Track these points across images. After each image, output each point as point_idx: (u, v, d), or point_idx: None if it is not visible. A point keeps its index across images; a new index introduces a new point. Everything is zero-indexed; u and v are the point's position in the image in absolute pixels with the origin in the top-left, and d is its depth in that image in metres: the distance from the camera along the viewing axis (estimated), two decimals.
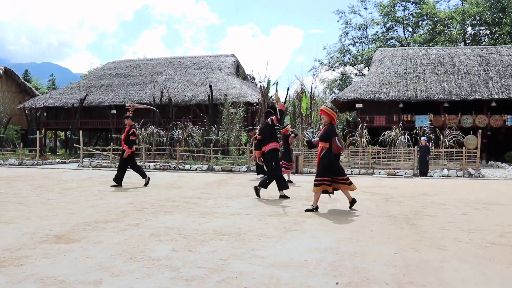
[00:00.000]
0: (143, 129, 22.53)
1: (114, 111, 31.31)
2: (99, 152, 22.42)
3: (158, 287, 3.35)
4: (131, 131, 10.72)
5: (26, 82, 40.87)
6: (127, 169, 11.03)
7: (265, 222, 6.07)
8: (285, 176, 10.97)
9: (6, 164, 20.64)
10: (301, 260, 4.10)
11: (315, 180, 6.99)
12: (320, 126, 21.23)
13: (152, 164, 18.78)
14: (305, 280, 3.54)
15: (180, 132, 22.10)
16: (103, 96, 32.87)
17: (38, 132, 24.16)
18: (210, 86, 27.19)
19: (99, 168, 18.41)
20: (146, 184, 10.88)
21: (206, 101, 27.61)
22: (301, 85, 24.62)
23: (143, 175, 10.99)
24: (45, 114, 33.61)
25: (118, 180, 10.68)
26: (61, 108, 33.40)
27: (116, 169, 11.54)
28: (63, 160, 22.71)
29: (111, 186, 10.66)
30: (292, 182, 12.11)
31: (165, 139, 22.26)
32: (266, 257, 4.22)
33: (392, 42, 47.56)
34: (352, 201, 7.25)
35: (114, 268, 3.81)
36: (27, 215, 6.44)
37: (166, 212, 6.84)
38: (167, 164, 18.78)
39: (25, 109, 33.70)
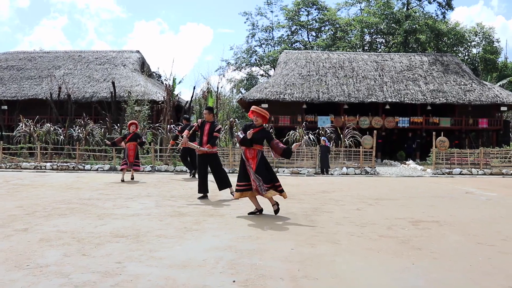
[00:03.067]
0: (38, 126, 21.04)
1: (5, 107, 28.87)
2: None
3: None
4: None
5: None
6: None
7: (166, 222, 5.96)
8: None
9: None
10: (199, 260, 4.07)
11: (276, 185, 6.54)
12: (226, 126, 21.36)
13: (48, 164, 17.59)
14: (202, 280, 3.51)
15: (79, 130, 20.97)
16: None
17: None
18: (113, 83, 26.13)
19: None
20: None
21: (108, 98, 26.45)
22: (208, 84, 24.57)
23: None
24: None
25: None
26: None
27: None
28: None
29: None
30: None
31: (62, 137, 20.98)
32: (164, 258, 4.13)
33: (297, 45, 49.20)
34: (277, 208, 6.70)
35: None
36: None
37: (60, 215, 6.44)
38: (65, 164, 17.71)
39: None
